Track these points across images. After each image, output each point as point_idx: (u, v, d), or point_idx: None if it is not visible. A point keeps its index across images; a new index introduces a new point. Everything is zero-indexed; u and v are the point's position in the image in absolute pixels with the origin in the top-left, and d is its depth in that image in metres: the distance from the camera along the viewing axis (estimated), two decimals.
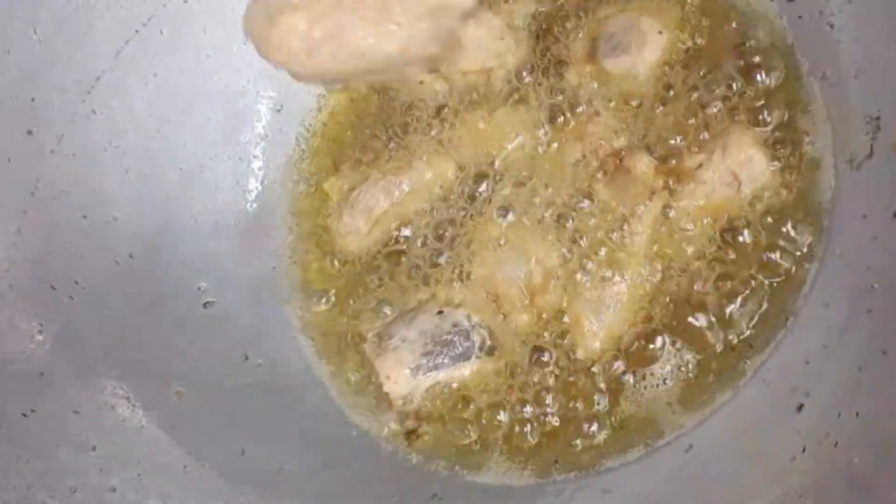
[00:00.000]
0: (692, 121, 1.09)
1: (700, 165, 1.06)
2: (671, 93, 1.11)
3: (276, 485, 1.05)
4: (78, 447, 0.99)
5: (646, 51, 1.12)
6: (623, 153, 1.09)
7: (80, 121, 1.09)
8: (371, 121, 1.21)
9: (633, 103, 1.11)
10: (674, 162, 1.08)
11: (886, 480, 0.83)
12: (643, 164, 1.06)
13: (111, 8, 1.10)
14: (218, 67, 1.19)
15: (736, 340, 1.05)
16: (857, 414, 0.88)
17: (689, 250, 1.06)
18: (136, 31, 1.12)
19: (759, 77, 1.09)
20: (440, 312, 1.08)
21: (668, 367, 1.05)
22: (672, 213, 1.07)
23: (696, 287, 1.06)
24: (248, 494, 1.03)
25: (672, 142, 1.09)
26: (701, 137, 1.08)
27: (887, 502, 0.82)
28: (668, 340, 1.06)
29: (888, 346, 0.90)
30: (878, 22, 1.01)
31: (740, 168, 1.05)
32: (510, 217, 1.12)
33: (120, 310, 1.08)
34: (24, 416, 0.98)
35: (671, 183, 1.07)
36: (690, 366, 1.04)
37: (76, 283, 1.05)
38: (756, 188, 1.06)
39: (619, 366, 1.06)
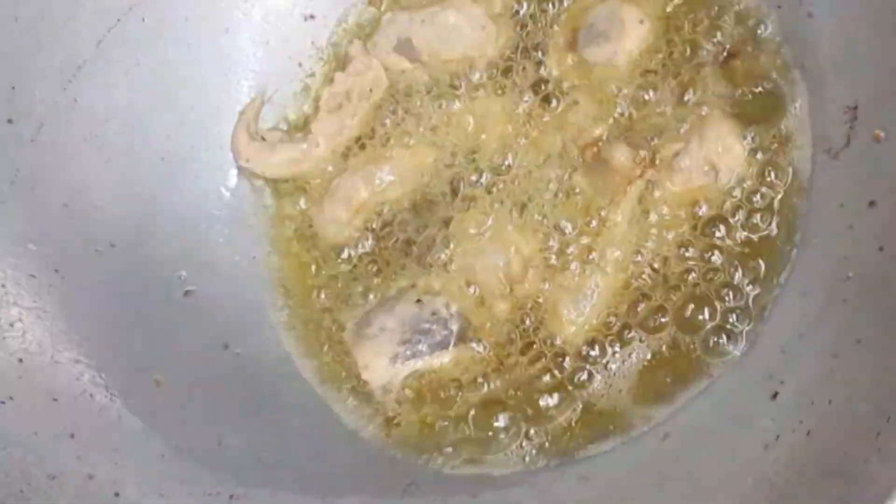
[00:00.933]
0: (671, 110, 1.09)
1: (677, 154, 1.06)
2: (650, 82, 1.10)
3: (255, 474, 1.05)
4: (56, 435, 0.99)
5: (626, 40, 1.12)
6: (601, 143, 1.08)
7: (60, 110, 1.08)
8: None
9: (613, 92, 1.11)
10: (652, 151, 1.07)
11: (857, 468, 0.82)
12: (620, 155, 1.06)
13: None
14: (200, 57, 1.19)
15: (713, 330, 1.03)
16: (829, 401, 0.88)
17: (668, 237, 1.06)
18: (118, 20, 1.12)
19: (737, 65, 1.08)
20: (419, 301, 1.08)
21: (645, 356, 1.05)
22: (649, 202, 1.06)
23: (673, 276, 1.05)
24: (226, 483, 1.03)
25: (650, 131, 1.08)
26: (679, 126, 1.08)
27: (858, 490, 0.81)
28: (642, 330, 1.05)
29: (862, 334, 0.90)
30: (857, 11, 1.00)
31: (717, 157, 1.05)
32: (490, 206, 1.11)
33: (100, 298, 1.08)
34: (2, 403, 0.98)
35: (649, 172, 1.06)
36: (666, 355, 1.04)
37: (56, 271, 1.05)
38: (733, 177, 1.05)
39: (595, 354, 1.05)
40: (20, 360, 1.00)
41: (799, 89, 1.07)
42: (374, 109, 1.19)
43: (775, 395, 0.96)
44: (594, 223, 1.08)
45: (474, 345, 1.09)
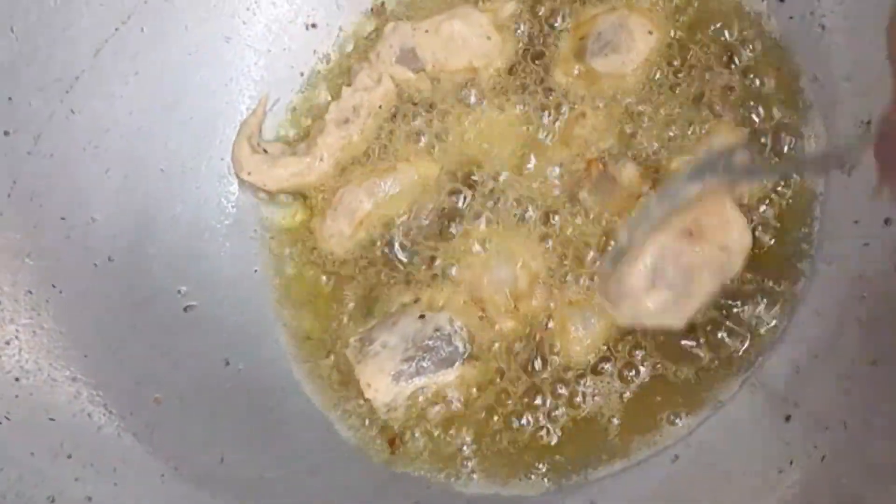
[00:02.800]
0: (680, 121, 1.07)
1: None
2: (659, 93, 1.09)
3: (257, 492, 1.04)
4: (54, 455, 0.98)
5: (634, 51, 1.10)
6: (607, 159, 1.07)
7: (58, 120, 1.07)
8: None
9: (621, 104, 1.09)
10: (661, 163, 1.05)
11: (874, 495, 0.81)
12: (628, 173, 1.05)
13: (91, 5, 1.08)
14: (200, 66, 1.17)
15: (726, 348, 1.02)
16: (844, 426, 0.87)
17: None
18: (116, 29, 1.10)
19: (748, 78, 1.07)
20: (422, 317, 1.06)
21: (655, 375, 1.03)
22: None
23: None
24: (227, 502, 1.01)
25: (659, 143, 1.06)
26: (688, 138, 1.06)
27: None
28: (654, 348, 1.03)
29: (877, 356, 0.89)
30: (870, 24, 0.98)
31: None
32: (496, 220, 1.10)
33: (98, 314, 1.07)
34: None
35: (657, 185, 1.04)
36: (678, 375, 1.02)
37: (53, 286, 1.04)
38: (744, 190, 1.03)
39: (606, 373, 1.03)
40: (16, 379, 0.99)
41: (812, 102, 1.05)
42: (380, 122, 1.16)
43: (788, 418, 0.94)
44: (602, 240, 1.05)
45: (479, 362, 1.06)
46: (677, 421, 1.03)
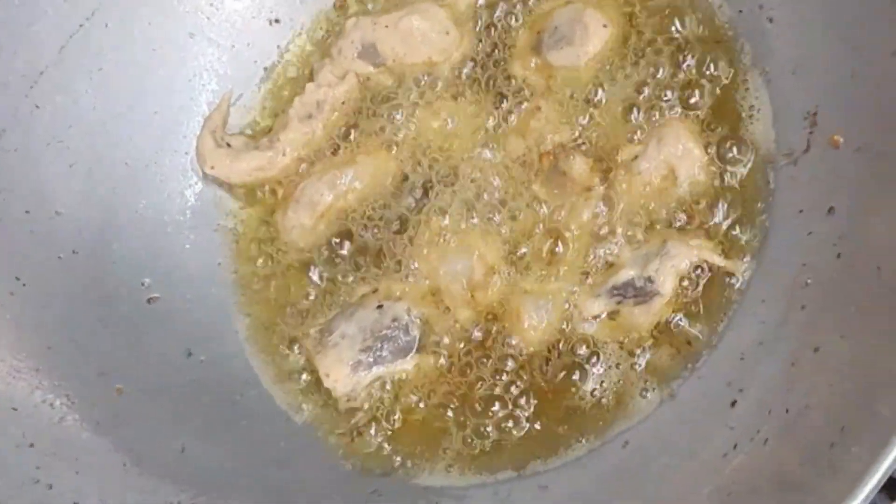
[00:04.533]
0: (632, 114, 1.08)
1: (636, 157, 1.05)
2: (612, 86, 1.10)
3: (217, 483, 1.05)
4: (16, 444, 0.99)
5: (589, 44, 1.12)
6: (558, 152, 1.08)
7: (22, 115, 1.08)
8: None
9: (575, 97, 1.10)
10: (611, 155, 1.07)
11: (813, 478, 0.82)
12: (578, 166, 1.06)
13: (55, 2, 1.09)
14: (163, 61, 1.19)
15: (674, 337, 1.03)
16: (786, 410, 0.88)
17: (627, 248, 1.05)
18: (81, 25, 1.12)
19: (698, 71, 1.08)
20: (380, 307, 1.08)
21: (606, 364, 1.04)
22: (608, 208, 1.05)
23: (635, 283, 1.05)
24: (188, 492, 1.02)
25: (611, 136, 1.08)
26: (639, 130, 1.07)
27: (814, 500, 0.81)
28: (604, 338, 1.04)
29: (820, 343, 0.90)
30: (817, 17, 1.00)
31: (677, 160, 1.05)
32: (453, 212, 1.11)
33: (62, 306, 1.08)
34: None
35: (608, 177, 1.06)
36: (627, 362, 1.03)
37: (17, 278, 1.05)
38: (693, 181, 1.04)
39: (557, 361, 1.05)
40: None
41: (759, 94, 1.06)
42: (342, 117, 1.17)
43: (734, 403, 0.96)
44: (554, 230, 1.07)
45: (436, 351, 1.07)
46: (628, 407, 1.03)
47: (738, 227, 1.04)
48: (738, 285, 1.03)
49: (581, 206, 1.07)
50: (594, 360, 1.05)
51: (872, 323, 0.87)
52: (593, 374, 1.05)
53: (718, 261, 1.03)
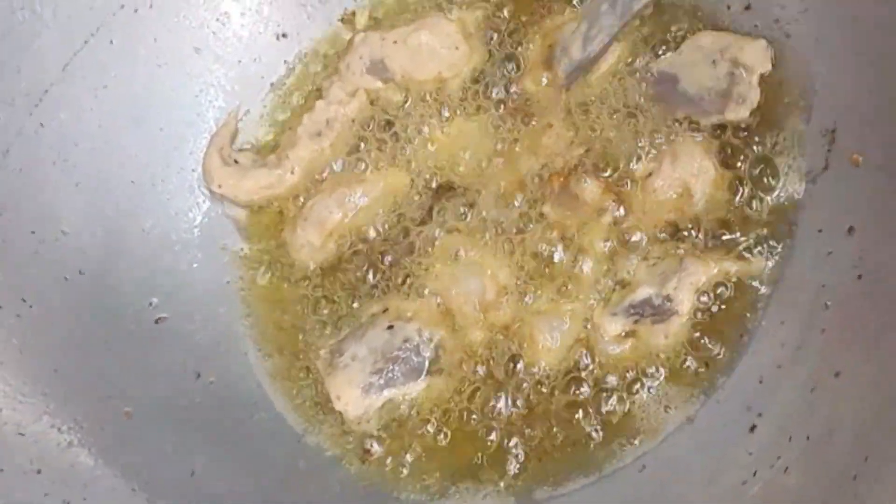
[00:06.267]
0: (645, 131, 1.07)
1: (650, 174, 1.04)
2: (624, 101, 1.08)
3: None
4: (23, 471, 0.98)
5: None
6: (569, 174, 1.07)
7: (27, 134, 1.07)
8: None
9: (586, 112, 1.09)
10: (624, 172, 1.05)
11: None
12: (590, 190, 1.05)
13: (58, 18, 1.07)
14: (169, 77, 1.17)
15: (693, 359, 1.02)
16: (807, 437, 0.87)
17: (643, 266, 1.04)
18: (85, 42, 1.10)
19: None
20: (391, 327, 1.06)
21: (623, 386, 1.03)
22: (622, 227, 1.04)
23: (653, 302, 1.03)
24: None
25: (623, 152, 1.06)
26: (652, 147, 1.06)
27: None
28: (621, 359, 1.03)
29: (840, 367, 0.89)
30: (834, 33, 0.99)
31: (692, 178, 1.03)
32: (464, 231, 1.10)
33: (68, 327, 1.07)
34: None
35: (621, 196, 1.04)
36: (644, 384, 1.02)
37: (23, 300, 1.04)
38: (709, 198, 1.03)
39: (572, 383, 1.03)
40: None
41: (776, 111, 1.04)
42: (352, 134, 1.16)
43: (753, 428, 0.95)
44: (567, 250, 1.06)
45: (448, 372, 1.06)
46: (647, 430, 1.02)
47: (756, 246, 1.01)
48: (761, 293, 1.01)
49: (594, 225, 1.05)
50: (610, 381, 1.03)
51: (894, 345, 0.85)
52: (609, 396, 1.03)
53: (737, 269, 1.01)
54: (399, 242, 1.12)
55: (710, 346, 1.03)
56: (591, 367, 1.04)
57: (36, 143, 1.07)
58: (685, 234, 1.05)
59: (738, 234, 1.04)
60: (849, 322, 0.91)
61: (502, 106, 1.14)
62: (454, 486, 1.06)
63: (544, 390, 1.05)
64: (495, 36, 1.16)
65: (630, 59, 1.11)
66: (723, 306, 1.03)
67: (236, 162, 1.17)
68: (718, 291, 1.03)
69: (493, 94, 1.14)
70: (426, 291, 1.10)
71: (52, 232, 1.08)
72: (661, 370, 1.03)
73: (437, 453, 1.07)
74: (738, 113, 1.05)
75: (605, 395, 1.04)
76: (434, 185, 1.13)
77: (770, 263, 1.02)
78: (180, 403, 1.09)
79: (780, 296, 1.01)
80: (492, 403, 1.06)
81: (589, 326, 1.05)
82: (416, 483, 1.07)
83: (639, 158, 1.07)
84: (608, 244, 1.06)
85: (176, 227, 1.17)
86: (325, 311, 1.14)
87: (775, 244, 1.03)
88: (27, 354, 1.03)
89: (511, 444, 1.05)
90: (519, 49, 1.15)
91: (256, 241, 1.19)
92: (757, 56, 1.03)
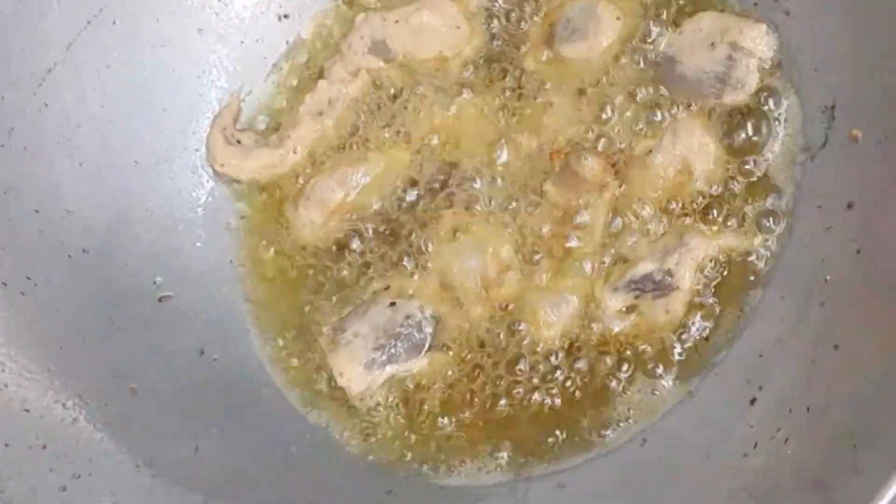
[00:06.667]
0: (645, 108, 1.07)
1: (650, 151, 1.05)
2: (625, 79, 1.09)
3: (231, 483, 1.04)
4: (28, 446, 0.98)
5: (602, 36, 1.11)
6: (569, 152, 1.07)
7: (31, 114, 1.07)
8: None
9: (588, 91, 1.09)
10: (624, 151, 1.06)
11: (836, 479, 0.81)
12: (590, 167, 1.05)
13: None
14: (172, 58, 1.18)
15: (693, 333, 1.02)
16: (807, 409, 0.87)
17: (644, 242, 1.04)
18: (89, 23, 1.10)
19: None
20: (393, 304, 1.07)
21: (624, 361, 1.04)
22: (623, 204, 1.05)
23: (654, 277, 1.04)
24: (201, 493, 1.01)
25: (624, 129, 1.08)
26: (652, 124, 1.06)
27: (837, 501, 0.80)
28: (622, 335, 1.04)
29: (840, 340, 0.89)
30: (834, 9, 0.99)
31: (692, 154, 1.04)
32: (466, 208, 1.10)
33: (73, 305, 1.07)
34: None
35: (621, 174, 1.05)
36: (644, 359, 1.03)
37: (28, 278, 1.04)
38: (709, 175, 1.03)
39: (573, 359, 1.04)
40: None
41: (776, 88, 1.05)
42: (353, 113, 1.16)
43: (753, 401, 0.95)
44: (569, 227, 1.06)
45: (450, 348, 1.07)
46: (647, 405, 1.03)
47: (755, 222, 1.02)
48: (760, 268, 1.02)
49: (595, 201, 1.05)
50: (611, 357, 1.03)
51: (893, 319, 0.86)
52: (610, 371, 1.03)
53: (737, 244, 1.01)
54: (401, 221, 1.13)
55: (710, 320, 1.02)
56: (592, 341, 1.04)
57: (40, 123, 1.08)
58: (686, 210, 1.04)
59: (738, 210, 1.03)
60: (848, 296, 0.92)
61: (503, 85, 1.13)
62: (456, 463, 1.06)
63: (545, 366, 1.05)
64: (497, 16, 1.15)
65: (631, 38, 1.10)
66: (723, 281, 1.03)
67: (239, 142, 1.17)
68: (719, 267, 1.03)
69: (495, 73, 1.14)
70: (428, 269, 1.10)
71: (56, 211, 1.08)
72: (662, 344, 1.03)
73: (438, 430, 1.07)
74: (736, 98, 1.05)
75: (605, 369, 1.03)
76: (435, 163, 1.13)
77: (770, 239, 1.02)
78: (184, 381, 1.10)
79: (780, 271, 1.01)
80: (493, 379, 1.06)
81: (589, 303, 1.04)
82: (420, 458, 1.07)
83: (639, 136, 1.06)
84: (609, 221, 1.05)
85: (180, 207, 1.18)
86: (328, 290, 1.14)
87: (775, 220, 1.02)
88: (32, 332, 1.03)
89: (512, 419, 1.05)
90: (520, 28, 1.15)
91: (259, 221, 1.18)
92: (756, 41, 1.03)
